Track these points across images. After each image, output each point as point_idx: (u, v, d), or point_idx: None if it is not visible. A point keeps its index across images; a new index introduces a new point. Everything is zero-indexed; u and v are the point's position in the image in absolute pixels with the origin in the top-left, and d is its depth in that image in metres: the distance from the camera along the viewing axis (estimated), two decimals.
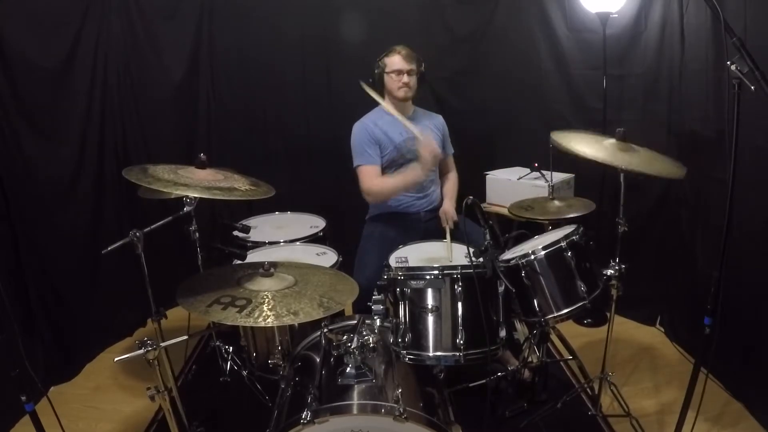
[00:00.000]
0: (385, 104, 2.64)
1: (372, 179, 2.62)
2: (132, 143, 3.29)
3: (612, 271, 2.14)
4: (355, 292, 1.82)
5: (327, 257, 2.52)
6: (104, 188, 3.10)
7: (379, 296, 1.96)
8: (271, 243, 2.67)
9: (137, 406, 2.60)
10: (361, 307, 2.06)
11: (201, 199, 1.98)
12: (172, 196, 2.31)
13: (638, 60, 3.00)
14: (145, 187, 1.91)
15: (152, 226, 1.97)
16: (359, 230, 2.81)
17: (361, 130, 2.68)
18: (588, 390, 2.50)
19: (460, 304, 1.90)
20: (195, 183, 1.91)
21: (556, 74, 3.37)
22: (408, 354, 1.92)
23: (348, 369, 1.76)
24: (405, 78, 2.62)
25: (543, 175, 2.98)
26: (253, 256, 2.46)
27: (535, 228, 2.51)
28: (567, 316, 2.03)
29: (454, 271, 1.92)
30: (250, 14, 3.45)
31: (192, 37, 3.43)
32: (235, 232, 2.47)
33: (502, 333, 1.99)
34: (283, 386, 1.97)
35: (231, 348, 2.63)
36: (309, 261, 2.38)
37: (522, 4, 3.44)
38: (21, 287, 2.64)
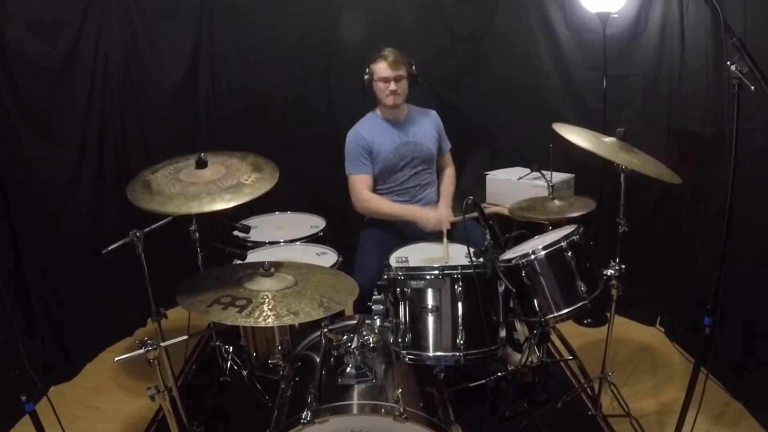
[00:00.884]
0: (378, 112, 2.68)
1: (362, 189, 2.68)
2: (132, 143, 3.28)
3: (612, 271, 2.14)
4: (355, 292, 1.82)
5: (327, 257, 2.52)
6: (104, 188, 3.10)
7: (379, 296, 1.96)
8: (271, 243, 2.67)
9: (137, 406, 2.60)
10: (361, 307, 2.07)
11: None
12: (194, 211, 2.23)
13: (638, 60, 3.00)
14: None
15: (152, 226, 1.97)
16: (359, 231, 2.81)
17: (354, 139, 2.70)
18: (588, 390, 2.50)
19: (460, 304, 1.91)
20: (203, 190, 1.88)
21: (556, 74, 3.37)
22: (408, 354, 1.92)
23: (348, 369, 1.76)
24: (392, 85, 2.62)
25: (543, 175, 2.98)
26: (253, 256, 2.46)
27: (535, 228, 2.51)
28: (567, 316, 2.03)
29: (455, 271, 1.92)
30: (250, 14, 3.45)
31: (192, 37, 3.43)
32: (235, 232, 2.48)
33: (502, 333, 2.00)
34: (283, 386, 1.97)
35: (231, 348, 2.63)
36: (309, 261, 2.38)
37: (522, 4, 3.44)
38: (21, 287, 2.64)
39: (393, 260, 2.29)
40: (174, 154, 2.17)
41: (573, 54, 3.28)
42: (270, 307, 1.61)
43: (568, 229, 2.15)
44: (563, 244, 2.02)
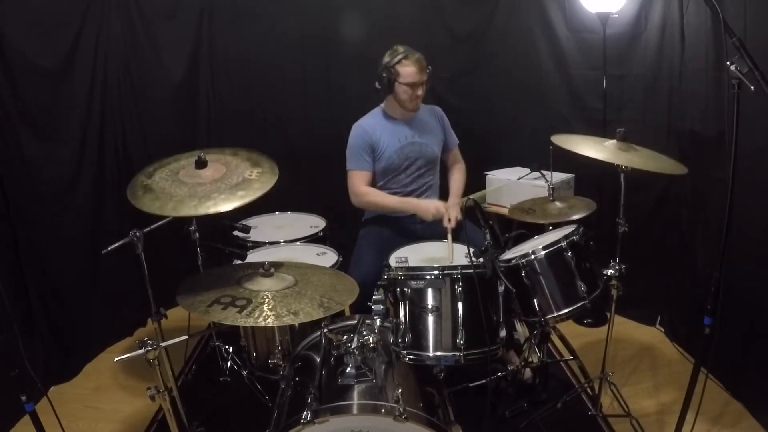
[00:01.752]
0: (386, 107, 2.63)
1: (360, 185, 2.64)
2: (132, 143, 3.28)
3: (612, 271, 2.14)
4: (355, 292, 1.81)
5: (327, 257, 2.52)
6: (104, 188, 3.10)
7: (379, 296, 1.96)
8: (271, 243, 2.67)
9: (137, 406, 2.60)
10: (358, 305, 2.06)
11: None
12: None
13: (638, 60, 3.00)
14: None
15: (152, 226, 1.97)
16: (358, 231, 2.81)
17: (359, 134, 2.65)
18: (588, 390, 2.50)
19: (460, 304, 1.91)
20: (213, 189, 1.85)
21: (556, 74, 3.37)
22: (408, 354, 1.92)
23: (348, 369, 1.76)
24: (419, 91, 2.58)
25: (543, 176, 2.98)
26: (253, 256, 2.46)
27: (535, 228, 2.51)
28: (567, 316, 2.03)
29: (455, 271, 1.92)
30: (250, 14, 3.45)
31: (192, 37, 3.43)
32: (235, 232, 2.48)
33: (502, 333, 1.99)
34: (283, 386, 1.97)
35: (231, 348, 2.63)
36: (309, 261, 2.38)
37: (522, 4, 3.45)
38: (21, 287, 2.64)
39: (393, 260, 2.28)
40: (174, 153, 2.16)
41: (573, 54, 3.28)
42: (270, 307, 1.61)
43: (567, 229, 2.16)
44: (563, 244, 2.02)
